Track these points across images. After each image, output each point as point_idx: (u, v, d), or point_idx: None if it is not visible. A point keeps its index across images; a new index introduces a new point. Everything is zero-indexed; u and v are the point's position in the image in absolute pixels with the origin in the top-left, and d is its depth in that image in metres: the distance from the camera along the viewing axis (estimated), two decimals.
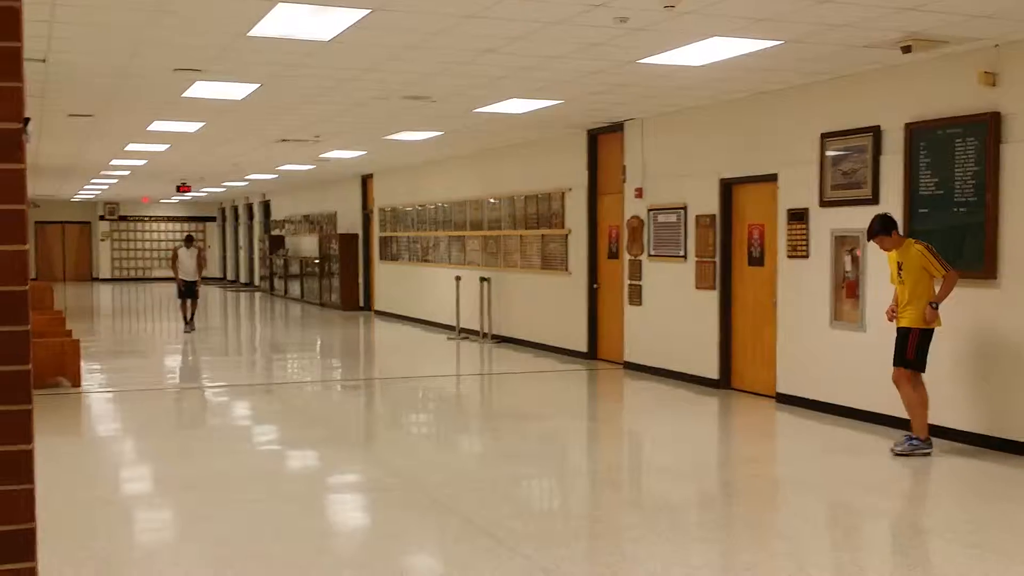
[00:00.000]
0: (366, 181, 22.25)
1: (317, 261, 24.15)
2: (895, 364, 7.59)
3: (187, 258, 17.65)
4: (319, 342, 17.20)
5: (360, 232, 22.61)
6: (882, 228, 7.58)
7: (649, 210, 11.84)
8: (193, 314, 17.79)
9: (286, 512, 6.02)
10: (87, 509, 6.04)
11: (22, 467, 1.95)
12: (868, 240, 7.85)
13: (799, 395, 9.49)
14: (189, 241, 18.22)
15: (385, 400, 11.17)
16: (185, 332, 17.26)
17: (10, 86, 1.87)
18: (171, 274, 18.33)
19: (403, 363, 14.19)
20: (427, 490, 6.47)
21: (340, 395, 11.60)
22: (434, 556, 5.29)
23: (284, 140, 14.94)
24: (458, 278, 16.50)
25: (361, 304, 22.47)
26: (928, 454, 7.40)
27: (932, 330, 7.48)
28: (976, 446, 7.62)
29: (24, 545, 1.95)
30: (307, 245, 26.00)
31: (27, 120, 1.89)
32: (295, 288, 26.43)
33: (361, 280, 22.56)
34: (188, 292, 17.60)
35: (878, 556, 5.22)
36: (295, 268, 26.56)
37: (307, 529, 5.69)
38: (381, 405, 10.90)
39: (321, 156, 17.54)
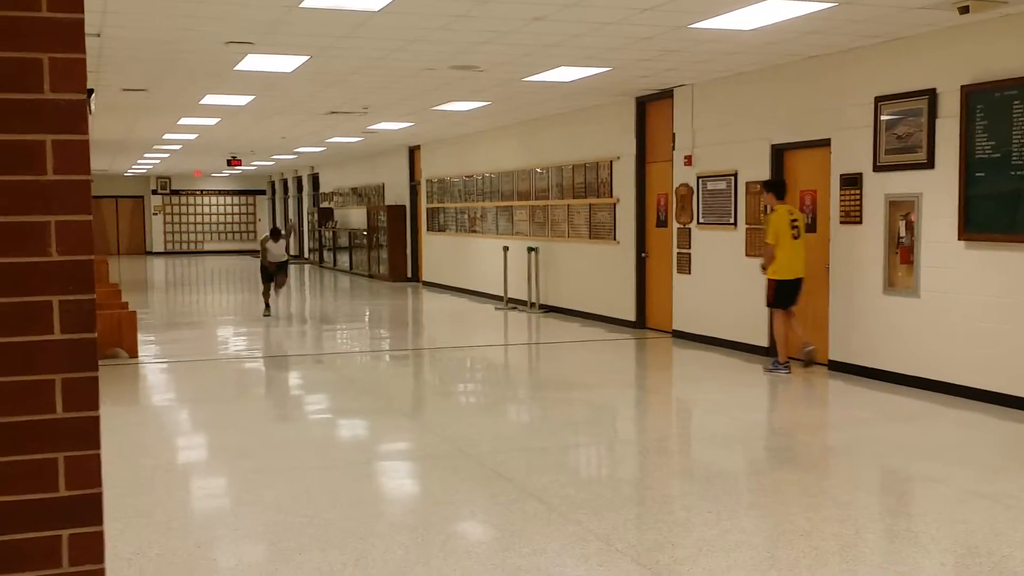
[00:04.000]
0: (413, 153, 22.29)
1: (365, 233, 24.28)
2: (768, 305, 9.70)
3: (275, 248, 15.58)
4: (368, 313, 17.34)
5: (408, 204, 22.69)
6: (765, 187, 9.72)
7: (698, 177, 11.74)
8: (278, 292, 15.94)
9: (340, 479, 6.10)
10: (147, 476, 6.17)
11: (90, 433, 1.99)
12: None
13: (852, 362, 9.40)
14: (275, 235, 15.69)
15: (435, 369, 11.24)
16: (264, 315, 15.39)
17: (73, 57, 1.89)
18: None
19: (452, 333, 14.26)
20: (478, 457, 6.52)
21: (390, 365, 11.70)
22: (487, 522, 5.33)
23: (333, 112, 15.01)
24: (506, 248, 16.51)
25: (409, 275, 22.59)
26: (788, 373, 9.42)
27: (786, 280, 9.38)
28: None
29: (92, 509, 2.00)
30: (355, 217, 26.16)
31: (91, 91, 1.92)
32: (344, 260, 26.63)
33: (409, 251, 22.66)
34: (279, 269, 15.65)
35: (936, 523, 5.17)
36: (344, 240, 26.74)
37: (362, 495, 5.77)
38: (431, 374, 10.98)
39: (369, 128, 17.59)
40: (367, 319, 16.47)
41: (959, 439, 7.14)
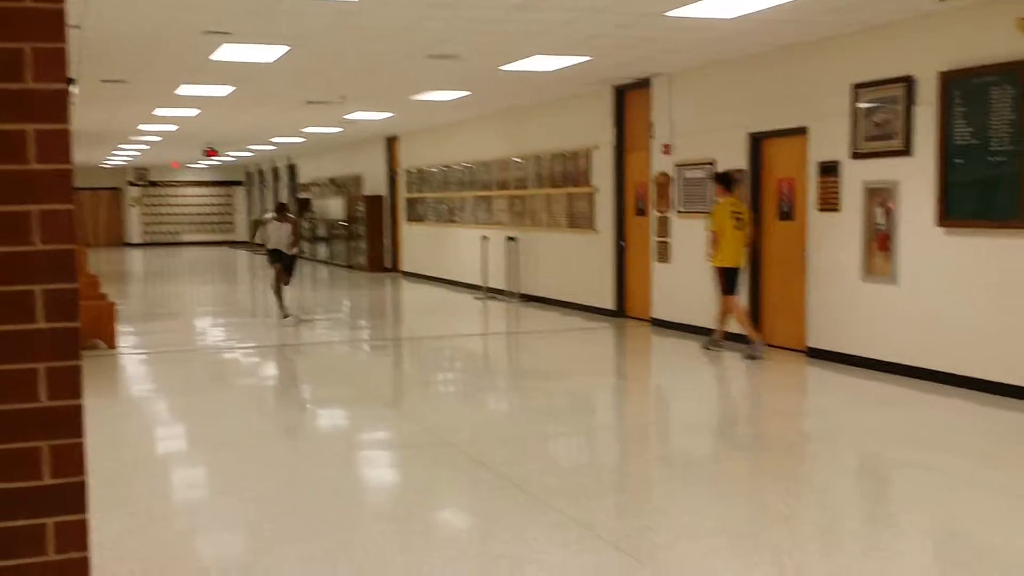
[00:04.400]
0: (391, 143, 22.23)
1: (344, 223, 24.21)
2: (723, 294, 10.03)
3: (275, 232, 13.43)
4: (348, 303, 17.31)
5: (386, 194, 22.65)
6: (715, 179, 10.27)
7: (677, 166, 11.78)
8: (282, 296, 13.58)
9: (320, 468, 6.11)
10: (128, 466, 6.15)
11: (74, 421, 2.00)
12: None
13: (830, 349, 9.47)
14: (282, 211, 13.56)
15: (414, 359, 11.25)
16: (286, 319, 13.29)
17: (54, 47, 1.90)
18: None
19: (431, 323, 14.26)
20: (458, 447, 6.54)
21: (370, 355, 11.69)
22: (468, 510, 5.36)
23: (311, 102, 14.94)
24: (485, 238, 16.51)
25: (388, 266, 22.55)
26: (763, 348, 9.75)
27: (732, 267, 9.88)
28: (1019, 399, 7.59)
29: (76, 497, 2.01)
30: (333, 208, 26.06)
31: (71, 80, 1.92)
32: (322, 250, 26.54)
33: (388, 242, 22.62)
34: (282, 260, 13.51)
35: (915, 508, 5.23)
36: (322, 231, 26.65)
37: (342, 485, 5.77)
38: (410, 364, 10.98)
39: (347, 118, 17.53)
40: (346, 309, 16.44)
41: (938, 425, 7.21)
